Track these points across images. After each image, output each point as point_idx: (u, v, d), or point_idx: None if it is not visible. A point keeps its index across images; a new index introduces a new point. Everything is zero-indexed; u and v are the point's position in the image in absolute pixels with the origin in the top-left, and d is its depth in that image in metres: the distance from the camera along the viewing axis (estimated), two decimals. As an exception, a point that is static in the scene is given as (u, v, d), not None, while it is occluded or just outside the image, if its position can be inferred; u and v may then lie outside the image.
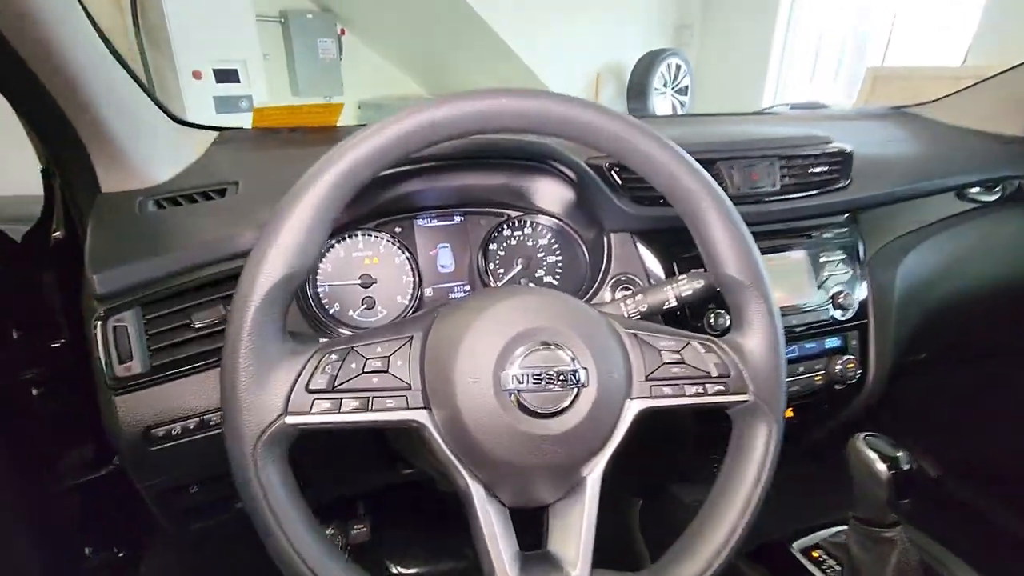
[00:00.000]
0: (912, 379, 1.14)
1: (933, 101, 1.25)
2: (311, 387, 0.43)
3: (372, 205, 0.80)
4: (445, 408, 0.44)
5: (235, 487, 0.42)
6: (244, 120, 0.97)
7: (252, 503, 0.41)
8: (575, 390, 0.45)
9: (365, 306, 0.83)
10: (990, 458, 1.32)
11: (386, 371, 0.45)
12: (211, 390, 0.62)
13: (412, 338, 0.47)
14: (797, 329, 0.88)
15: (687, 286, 0.65)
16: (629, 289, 0.78)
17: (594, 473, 0.47)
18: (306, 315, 0.70)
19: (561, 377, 0.44)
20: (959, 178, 1.01)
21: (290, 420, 0.42)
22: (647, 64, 5.09)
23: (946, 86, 1.29)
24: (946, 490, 1.35)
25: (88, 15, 0.66)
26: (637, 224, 0.79)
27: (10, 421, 0.78)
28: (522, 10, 4.34)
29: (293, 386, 0.42)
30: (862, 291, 0.96)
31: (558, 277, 0.86)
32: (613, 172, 0.85)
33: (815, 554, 0.81)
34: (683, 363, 0.52)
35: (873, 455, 0.58)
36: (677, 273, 0.84)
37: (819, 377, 0.87)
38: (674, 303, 0.65)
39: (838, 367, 0.87)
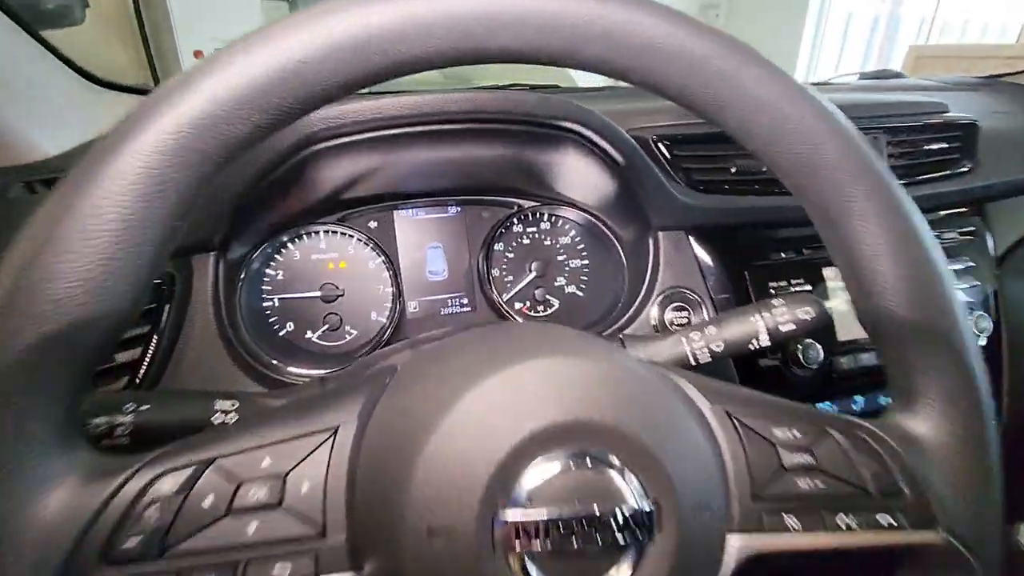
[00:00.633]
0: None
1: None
2: (114, 550, 0.22)
3: (333, 189, 0.59)
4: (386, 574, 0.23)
5: None
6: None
7: None
8: (637, 547, 0.23)
9: (327, 326, 0.63)
10: None
11: (276, 505, 0.23)
12: None
13: (336, 433, 0.26)
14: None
15: (787, 316, 0.43)
16: (684, 309, 0.56)
17: None
18: (231, 349, 0.49)
19: (612, 525, 0.22)
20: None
21: None
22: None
23: (998, 66, 1.12)
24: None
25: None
26: (695, 218, 0.59)
27: None
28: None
29: (73, 549, 0.21)
30: (991, 309, 0.72)
31: (584, 287, 0.67)
32: (661, 146, 0.62)
33: None
34: (818, 468, 0.30)
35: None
36: (750, 285, 0.62)
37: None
38: (766, 341, 0.43)
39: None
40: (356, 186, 0.60)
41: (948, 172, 0.71)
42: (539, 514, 0.23)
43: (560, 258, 0.70)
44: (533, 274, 0.69)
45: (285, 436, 0.25)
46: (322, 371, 0.56)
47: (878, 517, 0.29)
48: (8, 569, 0.21)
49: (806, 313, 0.42)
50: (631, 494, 0.24)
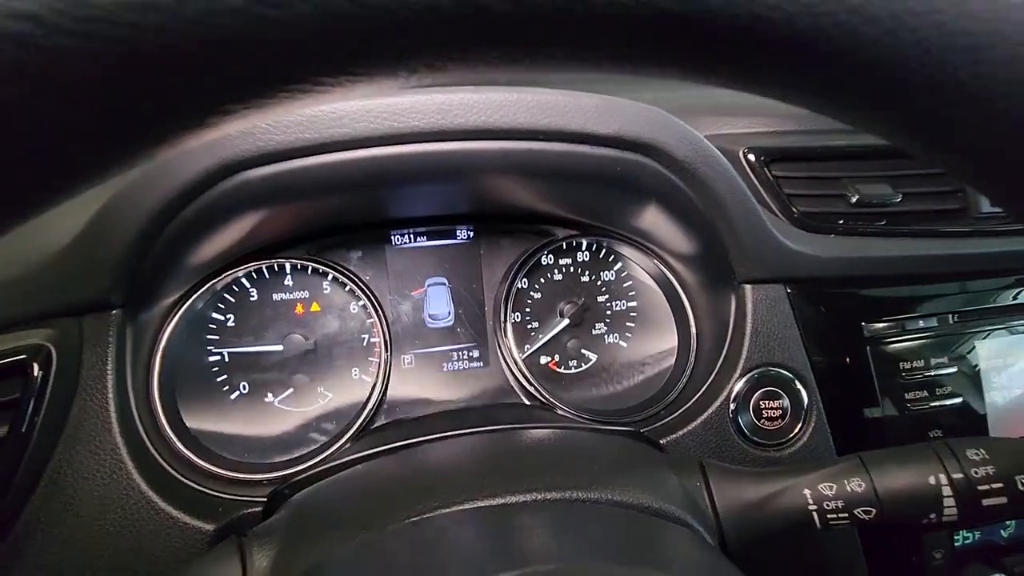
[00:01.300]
0: None
1: None
2: None
3: (300, 210, 0.43)
4: None
5: None
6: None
7: None
8: None
9: (290, 390, 0.48)
10: None
11: None
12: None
13: None
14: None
15: (990, 474, 0.27)
16: (779, 397, 0.40)
17: None
18: (139, 455, 0.36)
19: None
20: None
21: None
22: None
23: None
24: None
25: None
26: (800, 269, 0.46)
27: None
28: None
29: None
30: None
31: (630, 336, 0.56)
32: (755, 162, 0.45)
33: None
34: None
35: None
36: (873, 366, 0.44)
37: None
38: (952, 515, 0.27)
39: None
40: (332, 206, 0.44)
41: None
42: None
43: (601, 299, 0.54)
44: (566, 321, 0.52)
45: None
46: (271, 476, 0.42)
47: None
48: None
49: None
50: None
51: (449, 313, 0.53)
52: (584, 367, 0.55)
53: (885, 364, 0.44)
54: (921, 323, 0.45)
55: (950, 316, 0.45)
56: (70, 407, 0.35)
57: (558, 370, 0.54)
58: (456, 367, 0.53)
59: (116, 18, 0.09)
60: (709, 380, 0.46)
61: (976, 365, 0.45)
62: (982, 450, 0.28)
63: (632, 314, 0.55)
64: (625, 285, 0.55)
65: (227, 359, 0.47)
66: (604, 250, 0.55)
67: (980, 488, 0.27)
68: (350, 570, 0.24)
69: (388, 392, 0.51)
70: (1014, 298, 0.47)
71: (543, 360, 0.54)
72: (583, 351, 0.55)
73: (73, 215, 0.36)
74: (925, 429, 0.45)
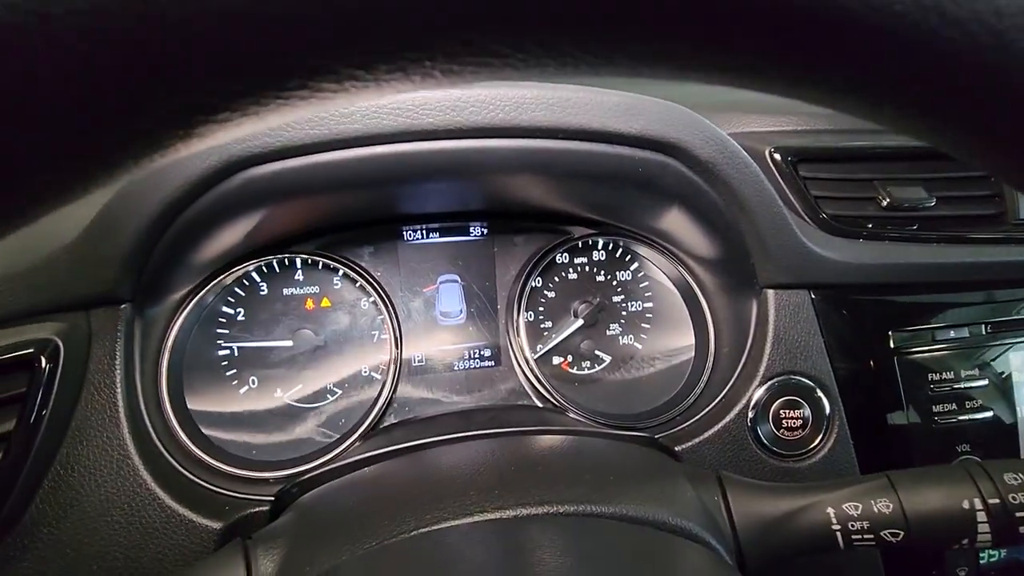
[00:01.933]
0: None
1: None
2: None
3: (310, 205, 0.42)
4: None
5: None
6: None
7: None
8: None
9: (299, 385, 0.47)
10: None
11: None
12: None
13: None
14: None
15: None
16: (799, 406, 0.38)
17: None
18: (145, 448, 0.37)
19: None
20: None
21: None
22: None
23: None
24: None
25: None
26: (826, 275, 0.44)
27: None
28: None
29: None
30: None
31: (645, 337, 0.54)
32: (781, 162, 0.43)
33: None
34: None
35: None
36: (900, 377, 0.43)
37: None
38: (986, 540, 0.26)
39: None
40: (344, 202, 0.43)
41: None
42: None
43: (616, 299, 0.52)
44: (580, 321, 0.51)
45: None
46: (279, 474, 0.42)
47: None
48: None
49: None
50: None
51: (461, 311, 0.52)
52: (597, 368, 0.54)
53: (912, 375, 0.42)
54: (951, 333, 0.43)
55: (983, 326, 0.43)
56: (77, 402, 0.35)
57: (571, 371, 0.53)
58: (467, 366, 0.52)
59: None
60: (727, 387, 0.44)
61: (1008, 378, 0.43)
62: (1020, 475, 0.26)
63: (648, 315, 0.54)
64: (641, 286, 0.54)
65: (236, 353, 0.47)
66: (621, 249, 0.53)
67: (1018, 515, 0.26)
68: None
69: (398, 390, 0.50)
70: (1050, 309, 0.45)
71: (556, 360, 0.53)
72: (597, 352, 0.53)
73: (81, 208, 0.35)
74: (953, 444, 0.43)
